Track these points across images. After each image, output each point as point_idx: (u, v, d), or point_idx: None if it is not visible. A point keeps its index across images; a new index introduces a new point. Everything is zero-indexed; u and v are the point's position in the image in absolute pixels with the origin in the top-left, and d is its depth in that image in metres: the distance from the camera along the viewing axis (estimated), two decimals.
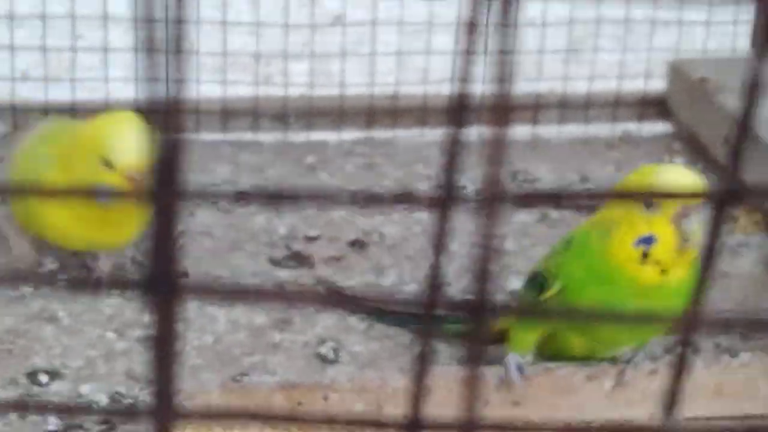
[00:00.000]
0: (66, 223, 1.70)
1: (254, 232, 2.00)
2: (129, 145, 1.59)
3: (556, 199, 1.01)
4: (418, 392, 0.38)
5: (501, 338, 1.62)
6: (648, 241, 1.47)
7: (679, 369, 0.38)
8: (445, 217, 0.36)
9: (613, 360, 1.58)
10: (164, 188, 0.34)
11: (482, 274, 0.36)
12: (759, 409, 1.57)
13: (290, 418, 0.42)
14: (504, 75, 0.32)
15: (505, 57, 0.32)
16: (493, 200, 0.36)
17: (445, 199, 0.36)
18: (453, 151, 0.33)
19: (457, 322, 1.75)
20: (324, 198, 0.35)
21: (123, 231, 1.73)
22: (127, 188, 1.58)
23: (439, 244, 0.36)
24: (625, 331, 1.54)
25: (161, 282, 0.31)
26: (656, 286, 1.47)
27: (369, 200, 0.36)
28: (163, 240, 0.32)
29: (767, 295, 1.88)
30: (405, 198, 0.37)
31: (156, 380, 0.33)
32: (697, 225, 1.44)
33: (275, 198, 0.35)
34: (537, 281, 1.58)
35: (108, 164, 1.60)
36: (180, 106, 0.32)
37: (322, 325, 1.77)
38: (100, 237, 1.73)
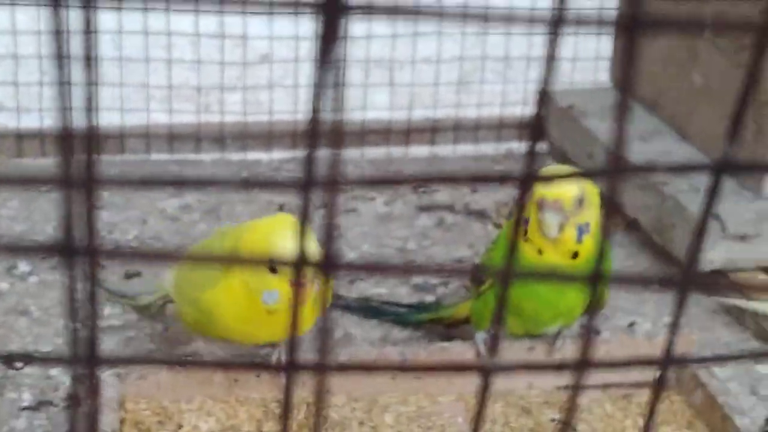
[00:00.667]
0: (235, 323, 1.46)
1: (197, 237, 2.01)
2: (293, 250, 1.34)
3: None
4: (293, 340, 0.40)
5: (467, 321, 1.66)
6: (526, 222, 1.49)
7: (585, 344, 0.40)
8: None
9: (545, 336, 1.60)
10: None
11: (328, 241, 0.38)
12: (616, 378, 1.60)
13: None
14: (336, 106, 0.34)
15: (336, 90, 0.34)
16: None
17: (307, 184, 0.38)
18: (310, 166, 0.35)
19: (418, 313, 1.78)
20: (222, 183, 0.37)
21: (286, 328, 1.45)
22: (292, 293, 1.36)
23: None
24: (549, 313, 1.55)
25: (80, 248, 0.33)
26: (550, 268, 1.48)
27: (245, 185, 0.38)
28: (87, 213, 0.34)
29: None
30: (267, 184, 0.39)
31: (82, 328, 0.35)
32: (553, 220, 1.46)
33: (183, 183, 0.36)
34: (477, 275, 1.61)
35: (273, 270, 1.39)
36: (93, 133, 0.33)
37: None
38: (268, 334, 1.49)
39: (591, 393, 1.59)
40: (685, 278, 0.37)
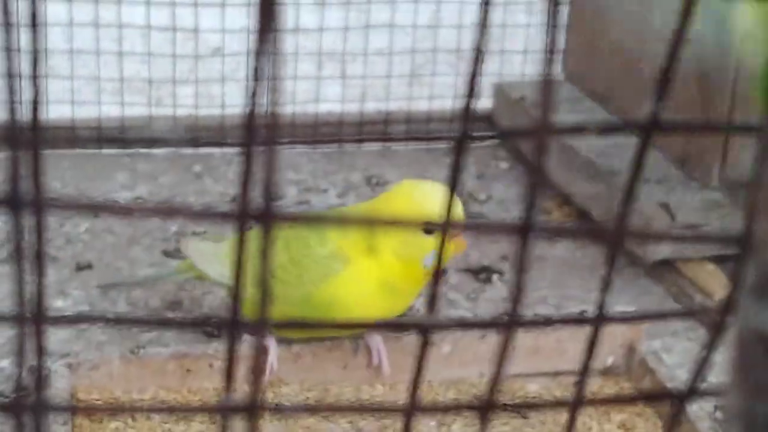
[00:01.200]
0: (365, 308, 1.44)
1: (150, 229, 2.01)
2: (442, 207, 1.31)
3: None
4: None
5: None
6: None
7: (506, 337, 0.41)
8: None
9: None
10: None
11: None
12: (567, 366, 1.61)
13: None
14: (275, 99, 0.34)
15: (276, 83, 0.35)
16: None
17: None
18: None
19: None
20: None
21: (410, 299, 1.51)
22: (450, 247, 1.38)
23: (239, 263, 0.39)
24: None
25: (26, 199, 0.33)
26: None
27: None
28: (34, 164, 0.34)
29: (577, 274, 1.93)
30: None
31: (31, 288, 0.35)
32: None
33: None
34: None
35: (429, 233, 1.38)
36: (38, 126, 0.33)
37: (208, 306, 1.79)
38: (395, 308, 1.48)
39: (541, 380, 1.61)
40: (615, 233, 0.37)
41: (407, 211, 1.39)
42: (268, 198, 0.34)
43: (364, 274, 1.43)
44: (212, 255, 1.57)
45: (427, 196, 1.40)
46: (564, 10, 2.34)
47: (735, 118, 1.86)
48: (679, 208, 1.85)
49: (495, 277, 1.91)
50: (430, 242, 1.40)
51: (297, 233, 1.46)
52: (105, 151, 2.29)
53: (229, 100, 2.33)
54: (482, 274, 1.91)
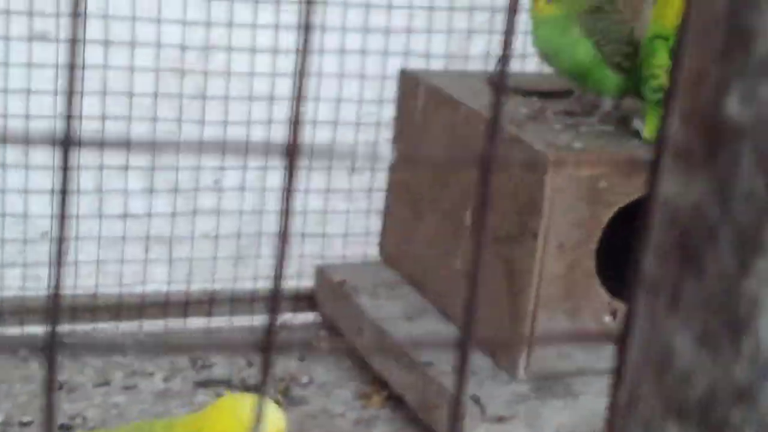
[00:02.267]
0: None
1: None
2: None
3: None
4: None
5: None
6: None
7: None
8: None
9: None
10: None
11: None
12: None
13: None
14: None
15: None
16: None
17: None
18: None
19: None
20: None
21: None
22: None
23: None
24: None
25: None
26: None
27: None
28: None
29: None
30: None
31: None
32: None
33: None
34: None
35: None
36: None
37: None
38: None
39: None
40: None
41: (230, 429, 1.41)
42: None
43: None
44: None
45: (249, 413, 1.45)
46: (381, 196, 2.47)
47: (538, 316, 2.00)
48: (488, 400, 1.98)
49: None
50: None
51: None
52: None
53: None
54: None
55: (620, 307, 2.07)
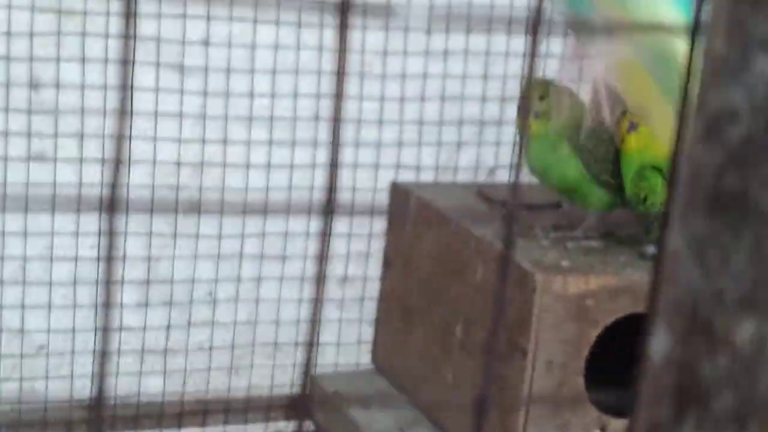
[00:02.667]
0: None
1: None
2: None
3: None
4: None
5: None
6: None
7: None
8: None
9: None
10: None
11: None
12: None
13: None
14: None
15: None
16: None
17: None
18: None
19: None
20: None
21: None
22: None
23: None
24: None
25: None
26: None
27: None
28: None
29: None
30: None
31: None
32: None
33: None
34: None
35: None
36: None
37: None
38: None
39: None
40: None
41: None
42: None
43: None
44: None
45: None
46: (372, 305, 2.50)
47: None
48: None
49: None
50: None
51: None
52: None
53: (51, 396, 2.39)
54: None
55: (610, 422, 2.09)
